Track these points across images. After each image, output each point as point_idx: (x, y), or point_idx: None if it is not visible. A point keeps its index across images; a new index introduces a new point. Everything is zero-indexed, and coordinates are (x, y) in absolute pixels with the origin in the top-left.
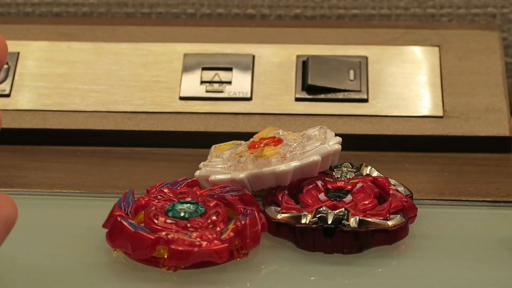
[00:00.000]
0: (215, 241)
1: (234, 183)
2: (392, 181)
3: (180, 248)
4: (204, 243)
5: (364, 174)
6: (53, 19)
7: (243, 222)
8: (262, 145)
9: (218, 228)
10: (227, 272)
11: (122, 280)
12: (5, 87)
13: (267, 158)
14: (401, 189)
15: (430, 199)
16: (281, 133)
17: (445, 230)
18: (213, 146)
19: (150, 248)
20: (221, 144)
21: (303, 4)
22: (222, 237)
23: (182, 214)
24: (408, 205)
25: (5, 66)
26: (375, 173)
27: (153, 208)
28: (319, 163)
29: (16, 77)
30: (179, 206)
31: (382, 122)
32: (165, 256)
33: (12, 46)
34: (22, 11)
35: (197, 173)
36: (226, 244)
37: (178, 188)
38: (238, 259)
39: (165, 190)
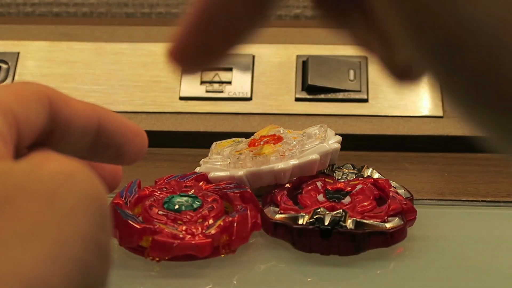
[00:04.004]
0: (199, 235)
1: (233, 180)
2: (393, 183)
3: (161, 239)
4: (188, 237)
5: (365, 176)
6: (53, 19)
7: (231, 219)
8: (262, 143)
9: (206, 223)
10: (221, 268)
11: None
12: None
13: (265, 156)
14: (401, 191)
15: (430, 199)
16: (281, 131)
17: (445, 230)
18: (214, 143)
19: (137, 237)
20: (222, 141)
21: (303, 4)
22: (207, 232)
23: (176, 206)
24: (407, 207)
25: (5, 66)
26: (376, 175)
27: (152, 199)
28: (318, 161)
29: (16, 77)
30: (178, 199)
31: (382, 122)
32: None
33: (12, 46)
34: (22, 11)
35: (197, 169)
36: (210, 239)
37: (186, 181)
38: (223, 255)
39: (172, 183)
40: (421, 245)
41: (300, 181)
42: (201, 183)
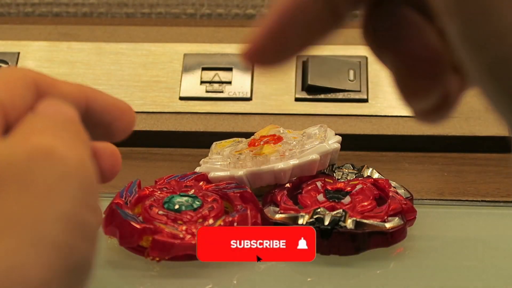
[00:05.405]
0: None
1: (233, 180)
2: (393, 183)
3: (162, 239)
4: (188, 237)
5: (365, 176)
6: (53, 19)
7: (231, 218)
8: (262, 143)
9: (206, 223)
10: (219, 267)
11: (107, 265)
12: None
13: (265, 156)
14: (401, 191)
15: (430, 199)
16: (281, 131)
17: (444, 230)
18: (214, 143)
19: (137, 237)
20: (222, 141)
21: None
22: None
23: (176, 206)
24: (407, 207)
25: (5, 66)
26: (376, 175)
27: (153, 198)
28: (318, 161)
29: None
30: (178, 199)
31: (382, 122)
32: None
33: (12, 46)
34: (22, 11)
35: (197, 169)
36: None
37: (186, 181)
38: None
39: (172, 183)
40: (421, 245)
41: (300, 181)
42: (201, 183)
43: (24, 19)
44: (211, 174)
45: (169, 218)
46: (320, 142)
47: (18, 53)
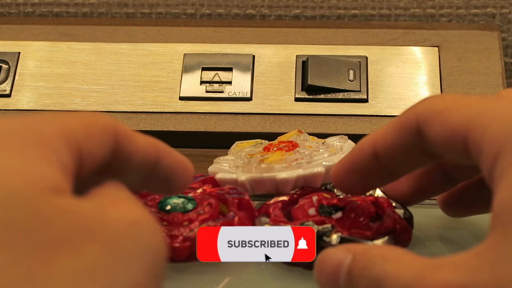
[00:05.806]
0: (180, 238)
1: (236, 184)
2: (394, 203)
3: None
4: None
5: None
6: (53, 19)
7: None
8: (275, 149)
9: (191, 226)
10: (219, 267)
11: None
12: (5, 87)
13: (269, 164)
14: (400, 211)
15: (430, 199)
16: (303, 138)
17: (445, 230)
18: (236, 143)
19: None
20: (244, 141)
21: (303, 4)
22: (188, 235)
23: (168, 207)
24: (401, 227)
25: (5, 66)
26: (377, 193)
27: (150, 198)
28: (323, 174)
29: (16, 77)
30: (174, 200)
31: (382, 122)
32: None
33: (12, 46)
34: (22, 11)
35: (210, 168)
36: (188, 243)
37: (192, 183)
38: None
39: None
40: (421, 245)
41: (302, 193)
42: (205, 186)
43: (24, 19)
44: (218, 175)
45: (156, 218)
46: (329, 155)
47: (19, 53)
